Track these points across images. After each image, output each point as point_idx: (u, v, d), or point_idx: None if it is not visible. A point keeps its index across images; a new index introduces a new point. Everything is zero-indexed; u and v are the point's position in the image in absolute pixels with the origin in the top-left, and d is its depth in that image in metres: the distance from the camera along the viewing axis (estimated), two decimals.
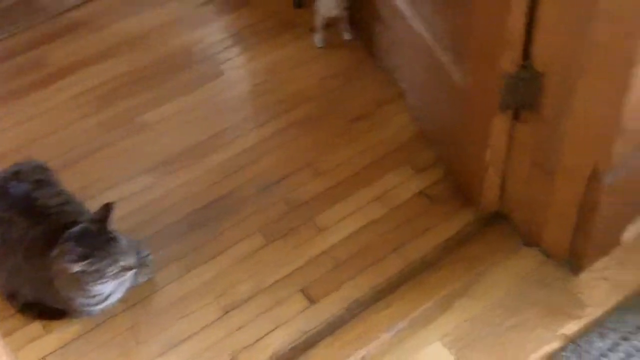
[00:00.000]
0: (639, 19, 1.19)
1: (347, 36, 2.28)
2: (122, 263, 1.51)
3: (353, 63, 2.21)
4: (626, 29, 1.21)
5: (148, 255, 1.69)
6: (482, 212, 1.76)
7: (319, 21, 2.24)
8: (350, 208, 1.82)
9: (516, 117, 1.54)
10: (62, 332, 1.63)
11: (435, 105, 1.87)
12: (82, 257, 1.46)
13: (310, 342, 1.57)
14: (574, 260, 1.63)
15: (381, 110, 2.05)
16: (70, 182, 1.81)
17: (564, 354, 1.50)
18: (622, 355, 1.49)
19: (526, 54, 1.41)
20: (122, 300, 1.63)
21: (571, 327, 1.55)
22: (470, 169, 1.75)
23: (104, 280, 1.50)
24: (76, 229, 1.53)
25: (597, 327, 1.54)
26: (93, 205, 1.63)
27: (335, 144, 1.98)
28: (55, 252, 1.50)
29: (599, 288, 1.61)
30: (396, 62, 2.05)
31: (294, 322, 1.60)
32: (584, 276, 1.64)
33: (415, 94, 1.98)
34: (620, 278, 1.62)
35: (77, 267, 1.45)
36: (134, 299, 1.66)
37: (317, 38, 2.28)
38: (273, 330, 1.60)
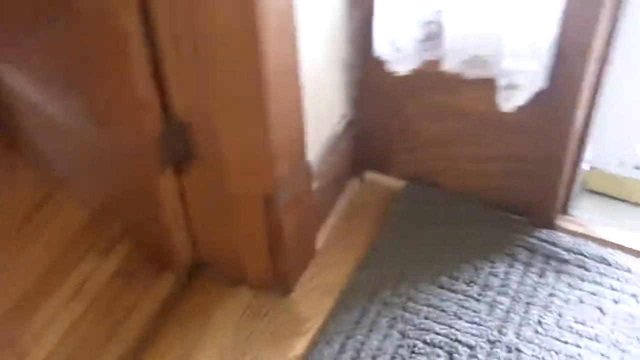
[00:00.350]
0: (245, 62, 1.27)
1: None
2: None
3: None
4: (244, 72, 1.27)
5: None
6: (181, 270, 1.74)
7: None
8: (46, 318, 1.68)
9: (180, 169, 1.53)
10: None
11: (99, 182, 1.80)
12: None
13: None
14: (281, 283, 1.67)
15: (46, 205, 1.93)
16: None
17: None
18: (352, 353, 1.56)
19: (168, 109, 1.41)
20: None
21: (300, 346, 1.59)
22: (154, 232, 1.72)
23: None
24: None
25: (322, 335, 1.60)
26: None
27: (6, 254, 1.82)
28: None
29: (312, 299, 1.68)
30: (46, 151, 1.94)
31: None
32: (297, 293, 1.69)
33: (75, 177, 1.90)
34: (327, 282, 1.70)
35: None
36: None
37: None
38: None
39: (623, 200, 1.88)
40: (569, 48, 1.46)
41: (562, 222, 1.81)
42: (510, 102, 1.50)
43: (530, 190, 1.76)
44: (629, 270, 1.71)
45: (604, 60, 1.54)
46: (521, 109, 1.54)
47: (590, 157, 1.82)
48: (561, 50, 1.46)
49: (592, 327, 1.62)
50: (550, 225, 1.80)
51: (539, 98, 1.53)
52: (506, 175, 1.78)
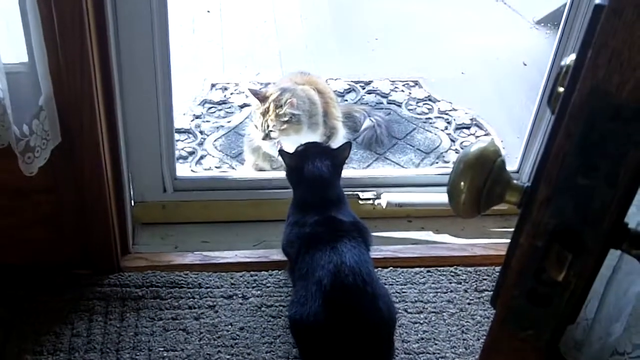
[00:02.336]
0: None
1: None
2: None
3: None
4: None
5: None
6: None
7: None
8: None
9: None
10: None
11: None
12: None
13: None
14: None
15: None
16: None
17: None
18: None
19: None
20: None
21: None
22: None
23: None
24: None
25: None
26: None
27: None
28: None
29: None
30: None
31: None
32: None
33: None
34: None
35: None
36: None
37: None
38: None
39: (174, 223, 1.98)
40: (68, 100, 1.48)
41: (127, 262, 1.84)
42: (31, 165, 1.47)
43: (85, 243, 1.75)
44: (200, 286, 1.81)
45: (110, 103, 1.60)
46: (47, 168, 1.52)
47: (134, 193, 1.88)
48: (61, 105, 1.48)
49: (182, 349, 1.68)
50: (117, 269, 1.82)
51: (60, 154, 1.53)
52: (55, 237, 1.75)
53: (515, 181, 0.71)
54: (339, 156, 1.76)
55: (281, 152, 1.77)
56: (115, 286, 1.79)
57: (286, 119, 2.10)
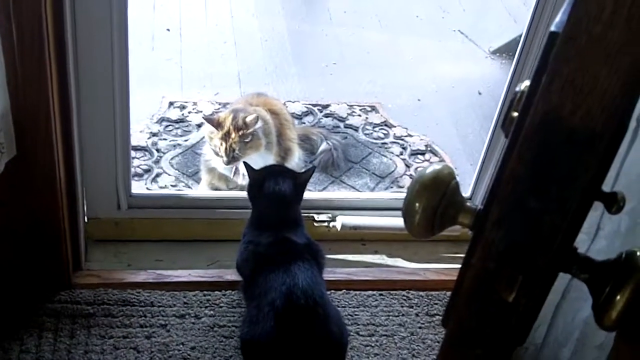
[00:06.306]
0: None
1: None
2: None
3: None
4: None
5: None
6: None
7: None
8: None
9: None
10: None
11: None
12: None
13: None
14: None
15: None
16: None
17: None
18: None
19: None
20: None
21: None
22: None
23: None
24: None
25: None
26: None
27: None
28: None
29: None
30: None
31: None
32: None
33: None
34: None
35: None
36: None
37: None
38: None
39: (127, 241, 1.96)
40: (25, 114, 1.47)
41: (78, 278, 1.82)
42: None
43: (37, 258, 1.72)
44: (152, 304, 1.80)
45: (67, 118, 1.58)
46: (0, 181, 1.50)
47: (87, 209, 1.86)
48: (18, 118, 1.46)
49: None
50: (68, 285, 1.79)
51: (15, 167, 1.51)
52: (6, 251, 1.70)
53: (468, 203, 0.72)
54: (301, 178, 1.77)
55: (246, 165, 1.78)
56: (66, 303, 1.76)
57: (249, 139, 2.11)
